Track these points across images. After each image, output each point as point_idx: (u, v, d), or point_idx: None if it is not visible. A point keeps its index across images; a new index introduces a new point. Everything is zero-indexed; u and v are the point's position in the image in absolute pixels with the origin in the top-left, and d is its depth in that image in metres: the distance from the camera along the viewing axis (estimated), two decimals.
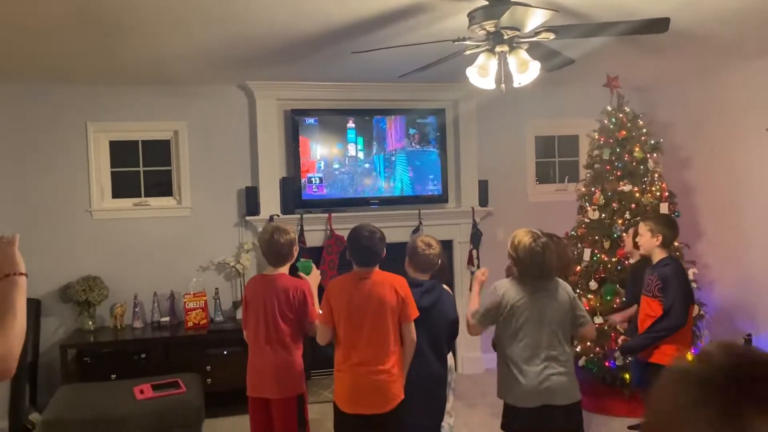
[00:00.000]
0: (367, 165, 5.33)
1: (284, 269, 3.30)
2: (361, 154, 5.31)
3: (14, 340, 1.46)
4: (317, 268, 5.13)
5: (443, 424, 3.40)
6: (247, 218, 5.11)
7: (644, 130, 4.91)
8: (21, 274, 1.55)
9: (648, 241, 3.64)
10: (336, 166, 5.28)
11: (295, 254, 3.33)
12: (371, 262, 3.06)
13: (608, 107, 4.98)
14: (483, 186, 5.60)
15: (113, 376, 4.42)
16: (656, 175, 4.83)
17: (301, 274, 3.37)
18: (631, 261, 4.36)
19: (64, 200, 4.92)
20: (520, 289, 2.99)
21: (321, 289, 3.29)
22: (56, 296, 4.86)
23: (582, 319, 3.04)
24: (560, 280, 3.10)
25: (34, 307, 4.71)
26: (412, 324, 3.04)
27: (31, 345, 4.65)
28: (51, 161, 4.89)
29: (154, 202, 5.17)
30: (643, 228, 3.68)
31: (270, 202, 5.15)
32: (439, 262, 3.29)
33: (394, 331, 3.01)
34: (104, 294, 4.81)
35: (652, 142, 4.90)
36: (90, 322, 4.79)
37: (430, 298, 3.15)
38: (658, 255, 3.61)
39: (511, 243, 3.05)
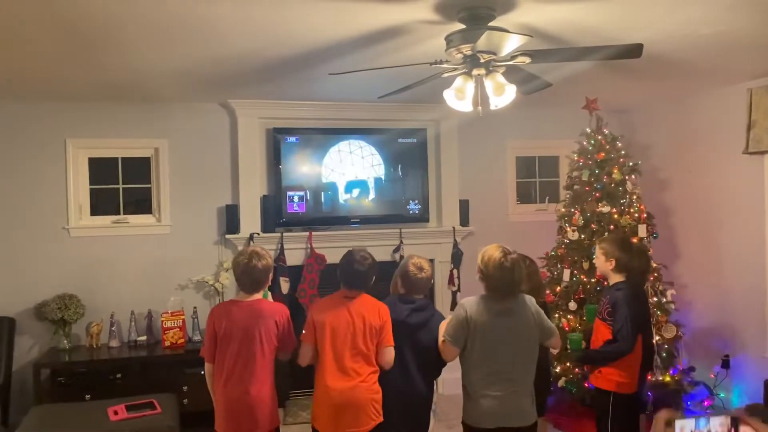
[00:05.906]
0: (348, 183, 5.34)
1: (258, 295, 3.12)
2: (342, 173, 5.32)
3: None
4: (299, 285, 5.20)
5: None
6: (227, 236, 5.09)
7: (623, 152, 4.97)
8: None
9: (602, 264, 3.56)
10: (317, 184, 5.28)
11: (270, 280, 3.18)
12: (360, 286, 3.11)
13: (587, 129, 5.04)
14: (464, 205, 5.63)
15: (87, 397, 4.35)
16: (634, 197, 4.87)
17: None
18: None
19: (41, 217, 4.86)
20: (485, 309, 2.93)
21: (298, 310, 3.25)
22: (31, 314, 4.78)
23: (548, 331, 3.03)
24: (525, 296, 3.05)
25: (8, 325, 4.64)
26: (391, 348, 3.05)
27: (4, 365, 4.57)
28: (29, 178, 4.84)
29: (134, 219, 5.13)
30: (597, 250, 3.60)
31: (250, 220, 5.13)
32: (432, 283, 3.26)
33: (374, 350, 3.04)
34: (80, 312, 4.74)
35: (631, 164, 4.95)
36: (65, 341, 4.72)
37: (419, 316, 3.11)
38: (614, 278, 3.52)
39: (481, 258, 3.00)
